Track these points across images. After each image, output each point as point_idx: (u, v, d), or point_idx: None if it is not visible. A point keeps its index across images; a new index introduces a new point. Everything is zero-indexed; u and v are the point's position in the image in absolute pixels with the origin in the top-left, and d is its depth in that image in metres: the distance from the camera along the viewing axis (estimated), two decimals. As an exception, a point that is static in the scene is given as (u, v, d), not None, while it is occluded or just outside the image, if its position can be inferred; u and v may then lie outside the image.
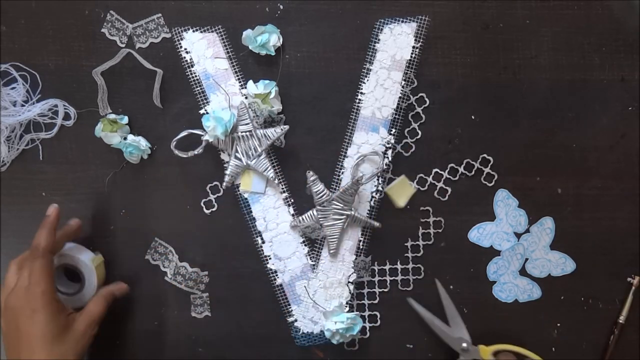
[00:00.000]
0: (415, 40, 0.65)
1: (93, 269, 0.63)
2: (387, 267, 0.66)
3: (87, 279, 0.63)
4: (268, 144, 0.63)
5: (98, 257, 0.65)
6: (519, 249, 0.66)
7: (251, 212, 0.66)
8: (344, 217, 0.64)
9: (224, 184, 0.64)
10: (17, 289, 0.56)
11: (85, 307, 0.60)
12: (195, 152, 0.63)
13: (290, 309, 0.66)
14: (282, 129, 0.63)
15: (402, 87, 0.65)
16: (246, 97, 0.65)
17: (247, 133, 0.63)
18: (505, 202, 0.66)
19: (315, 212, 0.64)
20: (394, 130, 0.65)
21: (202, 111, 0.65)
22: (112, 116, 0.65)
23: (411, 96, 0.65)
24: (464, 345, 0.64)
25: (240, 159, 0.64)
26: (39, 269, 0.57)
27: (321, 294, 0.66)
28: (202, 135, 0.63)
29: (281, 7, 0.65)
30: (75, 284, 0.64)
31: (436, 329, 0.65)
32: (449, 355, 0.66)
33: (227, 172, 0.64)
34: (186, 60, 0.65)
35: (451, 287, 0.66)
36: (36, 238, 0.59)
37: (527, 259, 0.66)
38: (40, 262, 0.57)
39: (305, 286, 0.66)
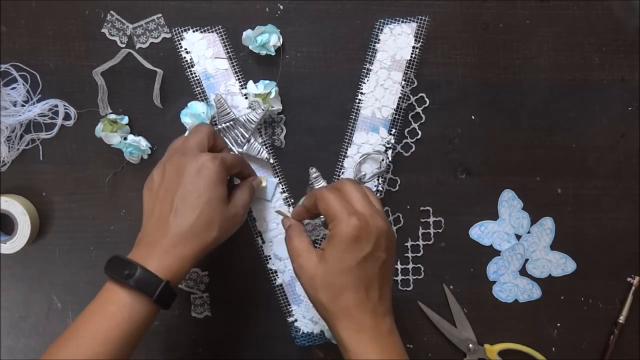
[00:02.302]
0: (415, 40, 0.65)
1: (27, 217, 0.64)
2: (387, 267, 0.66)
3: (20, 226, 0.64)
4: (254, 127, 0.63)
5: (31, 206, 0.66)
6: (519, 249, 0.66)
7: (251, 212, 0.66)
8: (344, 217, 0.64)
9: None
10: (184, 147, 0.56)
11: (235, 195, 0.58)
12: None
13: (290, 309, 0.66)
14: (263, 109, 0.63)
15: (402, 87, 0.65)
16: (246, 97, 0.65)
17: (231, 122, 0.63)
18: (510, 203, 0.66)
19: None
20: (394, 130, 0.65)
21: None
22: (112, 116, 0.65)
23: (411, 96, 0.66)
24: (471, 345, 0.65)
25: (231, 149, 0.64)
26: (205, 134, 0.57)
27: (321, 294, 0.66)
28: None
29: (281, 7, 0.65)
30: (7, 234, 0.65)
31: (444, 330, 0.65)
32: (453, 355, 0.66)
33: None
34: (186, 61, 0.65)
35: (451, 287, 0.66)
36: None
37: (527, 260, 0.66)
38: (209, 130, 0.58)
39: (305, 286, 0.66)
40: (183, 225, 0.53)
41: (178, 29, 0.65)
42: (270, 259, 0.66)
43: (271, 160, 0.65)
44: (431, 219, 0.66)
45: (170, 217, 0.53)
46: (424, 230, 0.66)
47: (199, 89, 0.65)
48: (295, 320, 0.66)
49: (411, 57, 0.65)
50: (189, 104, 0.64)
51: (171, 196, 0.54)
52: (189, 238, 0.53)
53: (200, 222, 0.53)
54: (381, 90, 0.65)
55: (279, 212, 0.62)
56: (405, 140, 0.66)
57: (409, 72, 0.65)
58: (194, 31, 0.65)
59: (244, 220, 0.59)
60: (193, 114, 0.63)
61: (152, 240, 0.53)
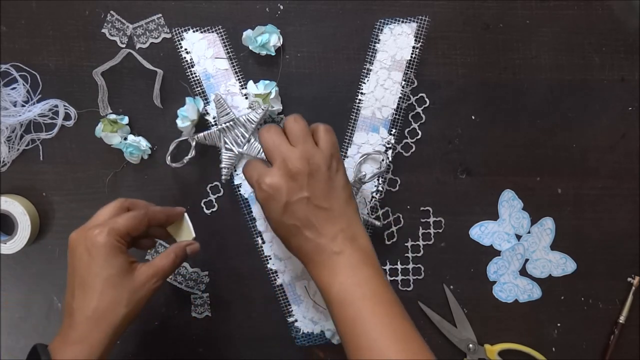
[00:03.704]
0: (415, 40, 0.65)
1: (27, 217, 0.64)
2: (387, 267, 0.66)
3: (20, 226, 0.64)
4: (254, 127, 0.63)
5: (31, 206, 0.66)
6: (519, 249, 0.66)
7: (251, 212, 0.66)
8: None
9: (222, 177, 0.65)
10: (84, 225, 0.53)
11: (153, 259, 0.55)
12: (188, 157, 0.64)
13: (290, 309, 0.66)
14: (263, 109, 0.63)
15: (402, 87, 0.65)
16: (247, 97, 0.65)
17: (231, 122, 0.63)
18: (510, 203, 0.66)
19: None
20: (394, 130, 0.65)
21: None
22: (113, 116, 0.65)
23: (411, 96, 0.66)
24: (471, 345, 0.65)
25: (231, 149, 0.64)
26: (112, 207, 0.54)
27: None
28: (189, 139, 0.64)
29: (281, 7, 0.65)
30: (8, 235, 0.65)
31: (444, 330, 0.65)
32: (454, 355, 0.66)
33: (222, 165, 0.64)
34: (186, 61, 0.65)
35: (451, 287, 0.66)
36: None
37: (527, 260, 0.66)
38: (119, 202, 0.55)
39: (305, 286, 0.66)
40: (85, 311, 0.51)
41: (178, 29, 0.65)
42: (270, 259, 0.66)
43: (271, 161, 0.65)
44: (431, 219, 0.66)
45: (73, 304, 0.51)
46: (424, 230, 0.66)
47: (199, 89, 0.65)
48: (296, 321, 0.66)
49: (411, 57, 0.65)
50: (181, 109, 0.64)
51: (71, 282, 0.52)
52: (94, 323, 0.51)
53: (103, 303, 0.51)
54: (381, 90, 0.65)
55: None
56: (405, 140, 0.66)
57: (409, 72, 0.65)
58: (194, 31, 0.65)
59: (159, 285, 0.54)
60: (185, 116, 0.63)
61: (63, 329, 0.52)
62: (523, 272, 0.66)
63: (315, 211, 0.53)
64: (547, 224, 0.66)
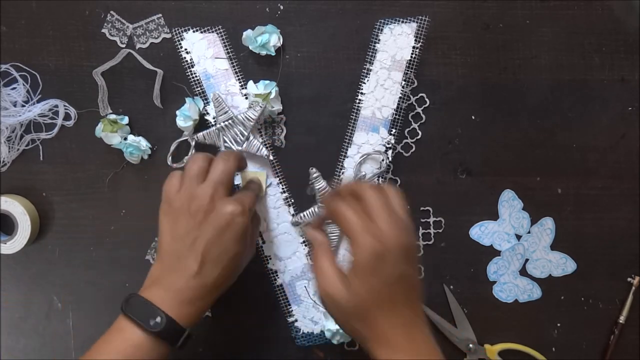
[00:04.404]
0: (416, 40, 0.65)
1: (27, 217, 0.64)
2: (387, 267, 0.66)
3: (20, 226, 0.64)
4: (252, 125, 0.63)
5: (31, 206, 0.66)
6: (519, 249, 0.66)
7: (251, 212, 0.66)
8: (344, 217, 0.64)
9: None
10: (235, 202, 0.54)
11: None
12: (188, 157, 0.64)
13: (290, 309, 0.66)
14: (261, 107, 0.63)
15: (402, 87, 0.65)
16: (247, 97, 0.65)
17: (229, 121, 0.63)
18: (510, 203, 0.66)
19: (317, 209, 0.64)
20: (394, 130, 0.65)
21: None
22: (113, 116, 0.65)
23: (411, 96, 0.66)
24: (471, 345, 0.65)
25: (230, 148, 0.64)
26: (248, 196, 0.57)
27: (321, 294, 0.66)
28: (188, 139, 0.64)
29: (281, 7, 0.65)
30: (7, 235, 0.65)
31: (444, 330, 0.65)
32: (453, 355, 0.66)
33: None
34: (186, 61, 0.65)
35: (451, 287, 0.66)
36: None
37: (527, 260, 0.66)
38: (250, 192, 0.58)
39: (305, 286, 0.66)
40: (207, 280, 0.53)
41: (178, 29, 0.65)
42: (270, 259, 0.66)
43: (271, 157, 0.65)
44: (431, 219, 0.66)
45: (195, 268, 0.52)
46: (424, 230, 0.66)
47: (199, 89, 0.65)
48: (296, 321, 0.66)
49: (411, 57, 0.65)
50: (181, 109, 0.64)
51: (197, 247, 0.53)
52: (211, 290, 0.54)
53: (223, 275, 0.54)
54: (381, 90, 0.65)
55: (307, 226, 0.64)
56: (405, 140, 0.66)
57: (409, 72, 0.65)
58: (194, 31, 0.65)
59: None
60: (187, 115, 0.63)
61: (174, 286, 0.53)
62: (523, 272, 0.66)
63: (412, 292, 0.50)
64: (547, 224, 0.66)
